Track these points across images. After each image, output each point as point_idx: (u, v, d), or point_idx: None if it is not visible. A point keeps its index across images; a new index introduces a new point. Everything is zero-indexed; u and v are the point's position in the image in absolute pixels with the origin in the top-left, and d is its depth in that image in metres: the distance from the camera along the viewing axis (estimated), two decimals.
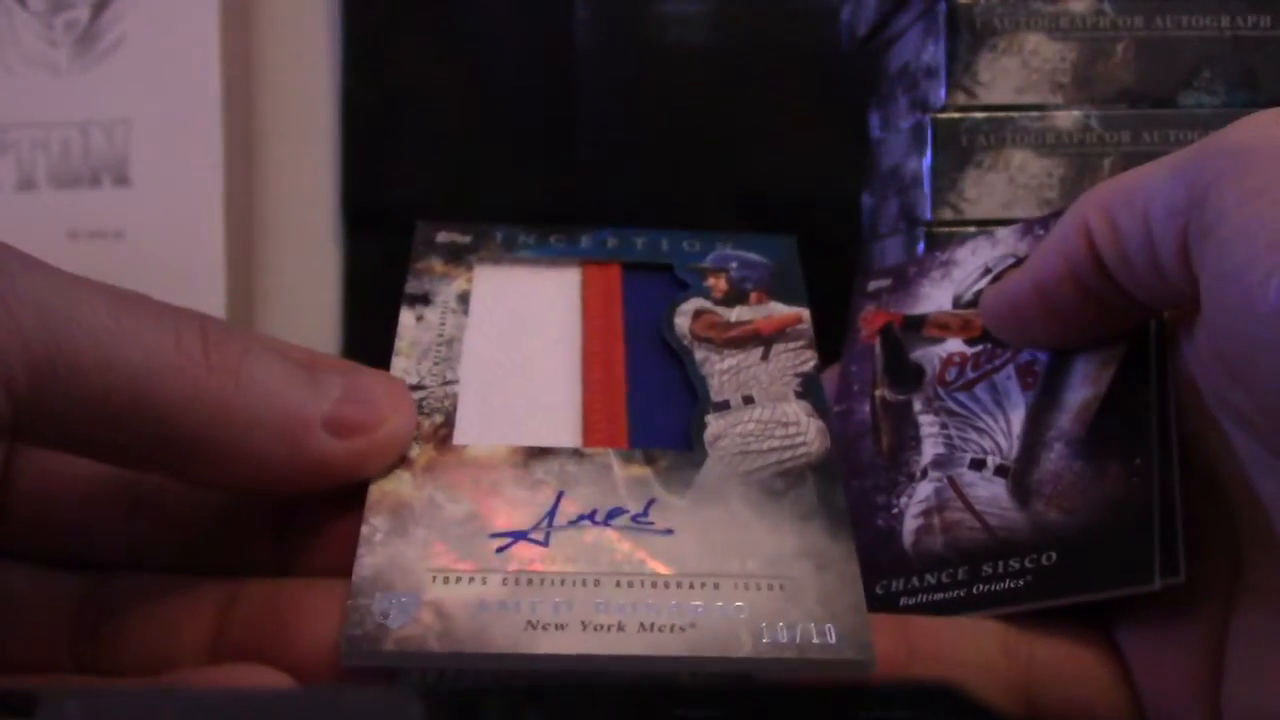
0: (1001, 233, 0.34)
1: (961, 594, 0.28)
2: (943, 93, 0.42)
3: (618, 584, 0.23)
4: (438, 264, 0.31)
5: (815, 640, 0.23)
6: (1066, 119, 0.42)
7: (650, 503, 0.25)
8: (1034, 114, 0.42)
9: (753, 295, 0.30)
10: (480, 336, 0.29)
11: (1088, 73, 0.42)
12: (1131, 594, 0.26)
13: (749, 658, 0.22)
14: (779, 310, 0.30)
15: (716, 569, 0.24)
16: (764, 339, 0.29)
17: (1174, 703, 0.26)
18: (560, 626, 0.23)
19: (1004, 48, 0.42)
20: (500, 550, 0.24)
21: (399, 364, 0.28)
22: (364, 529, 0.25)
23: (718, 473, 0.26)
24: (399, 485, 0.26)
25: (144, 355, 0.22)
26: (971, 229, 0.41)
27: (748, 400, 0.27)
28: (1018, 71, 0.42)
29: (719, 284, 0.30)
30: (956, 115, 0.42)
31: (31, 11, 0.55)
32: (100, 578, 0.27)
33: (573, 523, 0.25)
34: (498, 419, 0.28)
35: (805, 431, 0.27)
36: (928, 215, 0.42)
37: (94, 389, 0.22)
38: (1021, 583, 0.27)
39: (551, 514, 0.25)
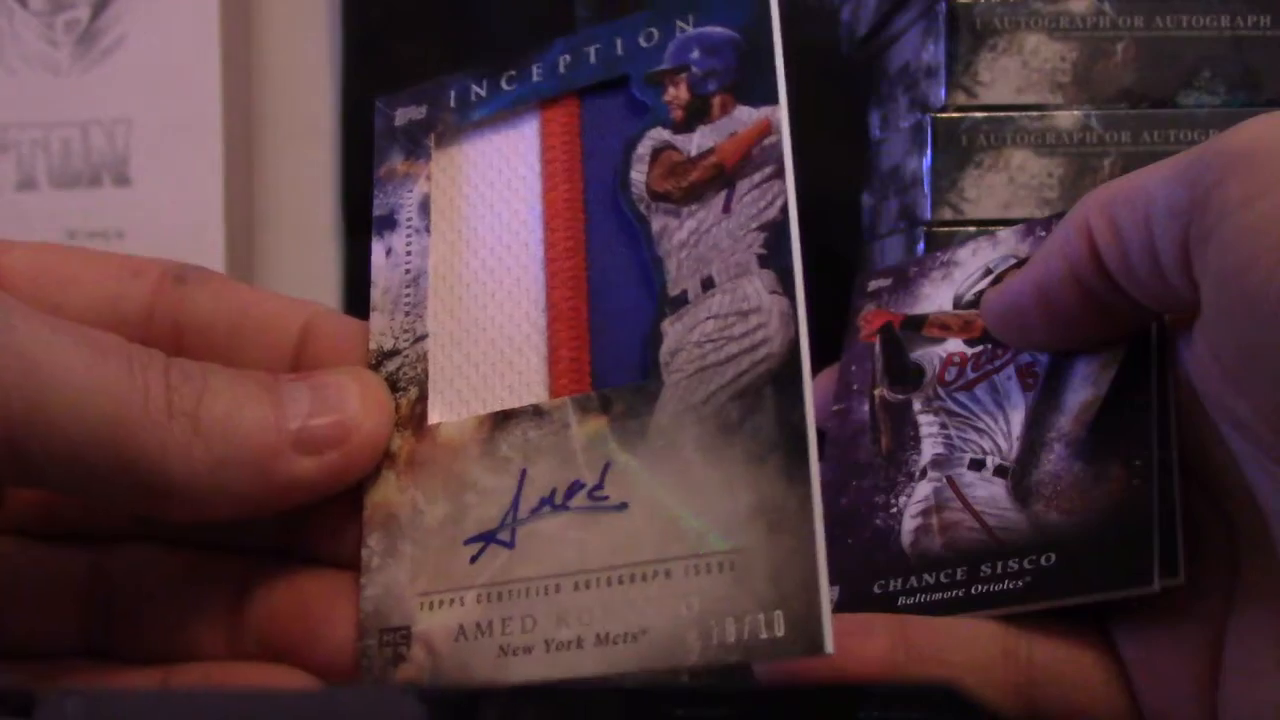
0: (1003, 233, 0.34)
1: (960, 594, 0.28)
2: (943, 93, 0.42)
3: (576, 586, 0.24)
4: (399, 162, 0.30)
5: (763, 635, 0.22)
6: (1066, 119, 0.42)
7: (606, 469, 0.25)
8: (1034, 114, 0.42)
9: (716, 102, 0.27)
10: (445, 260, 0.29)
11: (1088, 73, 0.42)
12: (1130, 596, 0.26)
13: (697, 665, 0.23)
14: (745, 120, 0.27)
15: (667, 552, 0.24)
16: (727, 176, 0.26)
17: (1171, 704, 0.26)
18: (527, 650, 0.24)
19: (1004, 48, 0.42)
20: (473, 560, 0.25)
21: (376, 322, 0.28)
22: (363, 552, 0.26)
23: (672, 409, 0.25)
24: (387, 491, 0.27)
25: (115, 407, 0.22)
26: (971, 229, 0.41)
27: (707, 285, 0.26)
28: (1018, 71, 0.42)
29: (679, 95, 0.27)
30: (956, 115, 0.42)
31: (32, 11, 0.55)
32: (105, 551, 0.27)
33: (535, 510, 0.25)
34: (467, 373, 0.28)
35: (767, 323, 0.25)
36: (928, 215, 0.42)
37: (68, 441, 0.22)
38: (1020, 583, 0.27)
39: (516, 503, 0.26)
